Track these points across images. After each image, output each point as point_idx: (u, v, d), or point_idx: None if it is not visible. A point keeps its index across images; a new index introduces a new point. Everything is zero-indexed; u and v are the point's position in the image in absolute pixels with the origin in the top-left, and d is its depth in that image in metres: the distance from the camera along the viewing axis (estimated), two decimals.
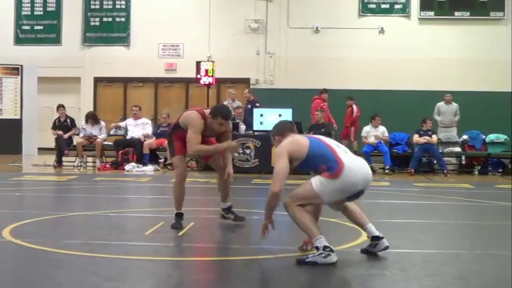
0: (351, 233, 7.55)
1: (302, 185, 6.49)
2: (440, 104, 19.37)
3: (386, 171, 16.61)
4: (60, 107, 18.63)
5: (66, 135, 17.88)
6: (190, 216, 8.91)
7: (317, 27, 23.18)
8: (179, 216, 8.00)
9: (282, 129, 6.94)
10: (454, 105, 19.25)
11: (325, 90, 19.44)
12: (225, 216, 8.51)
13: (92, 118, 18.05)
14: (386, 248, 6.40)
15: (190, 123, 7.79)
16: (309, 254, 6.23)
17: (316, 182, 6.29)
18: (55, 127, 18.19)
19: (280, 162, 6.38)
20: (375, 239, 6.46)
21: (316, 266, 5.98)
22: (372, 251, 6.47)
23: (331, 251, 6.08)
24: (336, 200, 6.40)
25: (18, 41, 24.46)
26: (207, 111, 7.84)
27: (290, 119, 16.38)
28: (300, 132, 16.51)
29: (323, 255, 6.04)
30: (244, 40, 23.47)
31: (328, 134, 16.99)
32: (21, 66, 21.57)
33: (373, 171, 16.39)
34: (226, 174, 8.19)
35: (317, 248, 6.13)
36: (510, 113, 21.08)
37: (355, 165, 6.28)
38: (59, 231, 7.92)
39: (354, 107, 19.82)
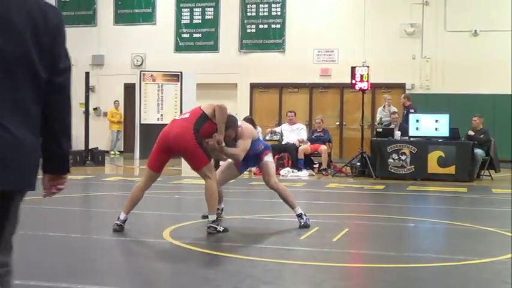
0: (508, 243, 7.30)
1: (268, 166, 8.35)
2: None
3: None
4: None
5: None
6: (344, 222, 8.92)
7: (475, 30, 22.50)
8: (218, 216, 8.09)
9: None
10: None
11: None
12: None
13: (250, 122, 18.30)
14: None
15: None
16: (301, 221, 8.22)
17: (270, 159, 8.52)
18: None
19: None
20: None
21: (468, 275, 5.84)
22: None
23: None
24: None
25: (178, 48, 25.29)
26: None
27: (447, 124, 16.05)
28: (458, 138, 16.17)
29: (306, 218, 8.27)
30: (400, 44, 23.15)
31: (488, 141, 16.51)
32: (181, 73, 22.26)
33: None
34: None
35: (300, 216, 8.26)
36: None
37: None
38: (217, 234, 8.12)
39: None
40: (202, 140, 7.72)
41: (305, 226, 8.22)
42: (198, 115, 7.75)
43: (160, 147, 7.82)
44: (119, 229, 7.76)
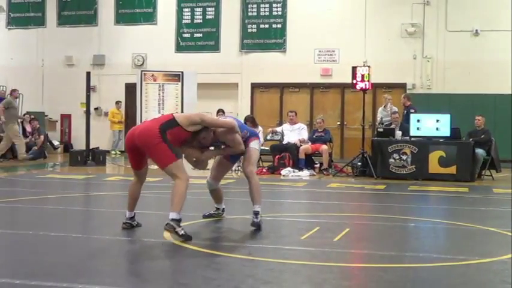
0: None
1: (251, 153, 8.22)
2: None
3: None
4: (220, 111, 19.10)
5: None
6: (345, 222, 8.92)
7: (476, 30, 22.49)
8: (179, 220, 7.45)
9: None
10: None
11: None
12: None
13: (251, 121, 18.33)
14: None
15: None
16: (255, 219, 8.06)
17: (256, 146, 8.29)
18: None
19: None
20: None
21: (468, 275, 5.84)
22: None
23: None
24: None
25: (179, 48, 25.29)
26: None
27: (448, 124, 16.04)
28: (459, 138, 16.17)
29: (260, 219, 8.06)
30: (401, 44, 23.15)
31: (488, 141, 16.49)
32: (182, 72, 22.21)
33: None
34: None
35: (256, 214, 8.06)
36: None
37: None
38: (218, 234, 8.12)
39: None
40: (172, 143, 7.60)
41: (255, 225, 8.06)
42: (166, 119, 7.70)
43: (127, 146, 7.83)
44: (127, 227, 8.00)
